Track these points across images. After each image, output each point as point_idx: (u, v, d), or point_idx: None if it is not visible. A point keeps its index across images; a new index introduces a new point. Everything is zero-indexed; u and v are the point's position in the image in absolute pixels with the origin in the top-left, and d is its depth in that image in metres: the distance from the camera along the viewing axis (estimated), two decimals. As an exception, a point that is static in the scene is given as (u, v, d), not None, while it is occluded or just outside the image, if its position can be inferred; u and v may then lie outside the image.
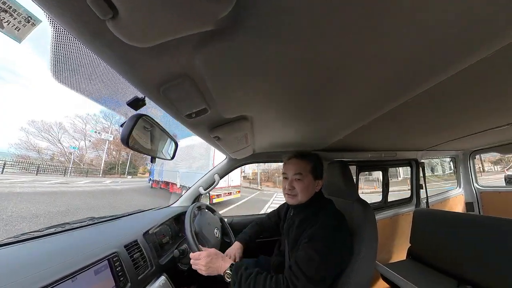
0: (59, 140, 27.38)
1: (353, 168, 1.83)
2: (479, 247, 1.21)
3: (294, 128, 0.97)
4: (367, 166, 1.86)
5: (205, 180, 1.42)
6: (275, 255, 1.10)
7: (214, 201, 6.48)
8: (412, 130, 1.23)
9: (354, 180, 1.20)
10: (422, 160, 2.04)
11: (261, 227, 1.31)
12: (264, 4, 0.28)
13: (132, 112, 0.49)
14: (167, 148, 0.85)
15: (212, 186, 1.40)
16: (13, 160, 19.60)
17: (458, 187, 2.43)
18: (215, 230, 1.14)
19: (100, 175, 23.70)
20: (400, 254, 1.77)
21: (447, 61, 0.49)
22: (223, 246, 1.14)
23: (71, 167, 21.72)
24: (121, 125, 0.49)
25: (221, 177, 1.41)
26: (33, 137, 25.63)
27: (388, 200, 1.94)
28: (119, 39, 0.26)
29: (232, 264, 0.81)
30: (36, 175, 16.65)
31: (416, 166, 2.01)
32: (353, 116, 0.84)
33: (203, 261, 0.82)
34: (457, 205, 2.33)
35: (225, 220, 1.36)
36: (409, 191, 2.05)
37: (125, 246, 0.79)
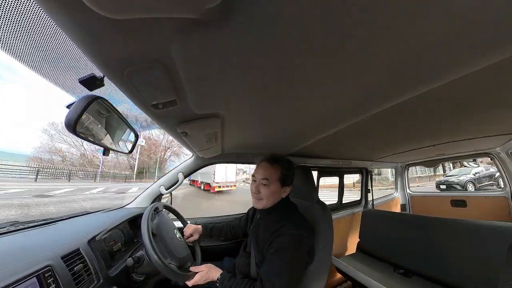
0: (82, 144, 25.29)
1: (314, 173, 2.00)
2: (409, 239, 1.51)
3: (265, 131, 1.00)
4: (326, 172, 2.05)
5: (168, 179, 1.31)
6: (241, 256, 1.10)
7: (216, 190, 11.70)
8: (365, 144, 1.47)
9: (315, 184, 1.33)
10: (371, 169, 2.39)
11: (228, 225, 1.31)
12: (253, 6, 0.29)
13: (85, 92, 0.43)
14: (125, 139, 0.76)
15: (176, 185, 1.30)
16: (42, 165, 18.11)
17: (395, 192, 2.93)
18: (175, 231, 1.07)
19: (133, 180, 23.96)
20: (351, 248, 2.03)
21: (395, 92, 0.63)
22: (190, 249, 1.09)
23: (100, 172, 21.56)
24: (68, 106, 0.41)
25: (185, 176, 1.32)
26: (53, 141, 23.47)
27: (343, 202, 2.22)
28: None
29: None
30: (69, 181, 16.22)
31: (366, 173, 2.36)
32: (319, 126, 0.95)
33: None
34: (395, 206, 2.83)
35: (188, 222, 1.29)
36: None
37: (62, 257, 0.66)
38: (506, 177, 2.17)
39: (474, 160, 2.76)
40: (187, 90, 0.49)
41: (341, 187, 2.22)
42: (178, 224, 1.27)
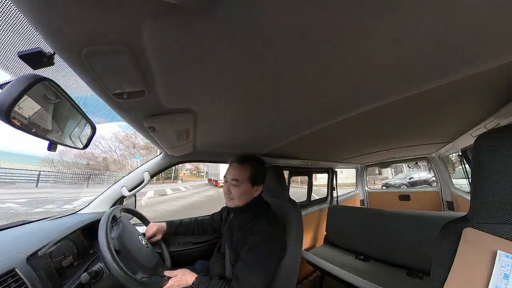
0: (115, 150, 26.01)
1: (286, 173, 2.09)
2: (367, 229, 1.74)
3: (239, 130, 1.00)
4: (297, 171, 2.17)
5: (131, 179, 1.18)
6: (215, 257, 1.08)
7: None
8: (332, 147, 1.62)
9: (286, 183, 1.40)
10: (336, 169, 2.63)
11: (196, 222, 1.26)
12: (235, 2, 0.28)
13: (27, 71, 0.35)
14: (79, 133, 0.66)
15: (141, 186, 1.18)
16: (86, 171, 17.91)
17: (356, 189, 3.32)
18: (140, 238, 0.97)
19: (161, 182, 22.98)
20: (319, 241, 2.23)
21: (357, 104, 0.74)
22: (159, 255, 1.01)
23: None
24: (1, 86, 0.34)
25: (152, 175, 1.22)
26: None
27: (311, 199, 2.41)
28: None
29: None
30: (87, 186, 15.27)
31: (331, 173, 2.58)
32: (291, 128, 1.01)
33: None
34: (356, 202, 3.22)
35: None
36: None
37: None
38: (438, 176, 2.71)
39: (417, 163, 3.32)
40: (157, 81, 0.45)
41: (309, 186, 2.37)
42: (143, 228, 1.17)
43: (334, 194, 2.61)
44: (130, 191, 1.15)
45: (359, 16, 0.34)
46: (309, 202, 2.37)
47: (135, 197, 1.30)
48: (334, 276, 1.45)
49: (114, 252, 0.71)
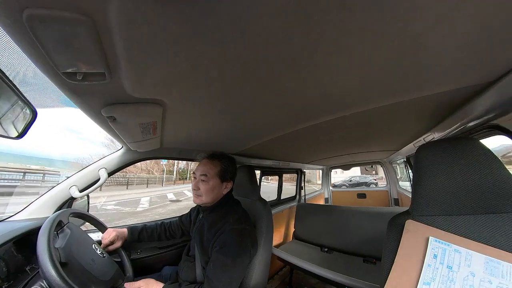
0: None
1: (257, 172, 2.14)
2: (331, 224, 1.95)
3: (212, 128, 0.97)
4: (268, 171, 2.24)
5: (82, 177, 1.01)
6: (184, 261, 1.01)
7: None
8: (301, 149, 1.75)
9: (258, 182, 1.43)
10: (304, 170, 2.80)
11: (162, 225, 1.17)
12: None
13: None
14: (13, 118, 0.55)
15: (95, 186, 1.02)
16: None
17: (322, 189, 3.65)
18: (94, 247, 0.84)
19: (174, 183, 22.88)
20: (288, 238, 2.37)
21: (323, 113, 0.85)
22: (118, 266, 0.89)
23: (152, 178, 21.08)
24: None
25: (110, 173, 1.07)
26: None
27: (281, 198, 2.54)
28: None
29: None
30: (127, 188, 15.85)
31: (300, 173, 2.75)
32: (263, 130, 1.06)
33: None
34: (321, 200, 3.54)
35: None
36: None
37: None
38: (388, 177, 3.17)
39: (372, 166, 3.79)
40: (123, 65, 0.40)
41: (280, 185, 2.47)
42: (98, 235, 1.03)
43: (302, 193, 2.78)
44: (81, 191, 0.99)
45: (332, 35, 0.39)
46: (278, 201, 2.47)
47: (88, 199, 1.13)
48: (302, 269, 1.55)
49: (58, 265, 0.60)
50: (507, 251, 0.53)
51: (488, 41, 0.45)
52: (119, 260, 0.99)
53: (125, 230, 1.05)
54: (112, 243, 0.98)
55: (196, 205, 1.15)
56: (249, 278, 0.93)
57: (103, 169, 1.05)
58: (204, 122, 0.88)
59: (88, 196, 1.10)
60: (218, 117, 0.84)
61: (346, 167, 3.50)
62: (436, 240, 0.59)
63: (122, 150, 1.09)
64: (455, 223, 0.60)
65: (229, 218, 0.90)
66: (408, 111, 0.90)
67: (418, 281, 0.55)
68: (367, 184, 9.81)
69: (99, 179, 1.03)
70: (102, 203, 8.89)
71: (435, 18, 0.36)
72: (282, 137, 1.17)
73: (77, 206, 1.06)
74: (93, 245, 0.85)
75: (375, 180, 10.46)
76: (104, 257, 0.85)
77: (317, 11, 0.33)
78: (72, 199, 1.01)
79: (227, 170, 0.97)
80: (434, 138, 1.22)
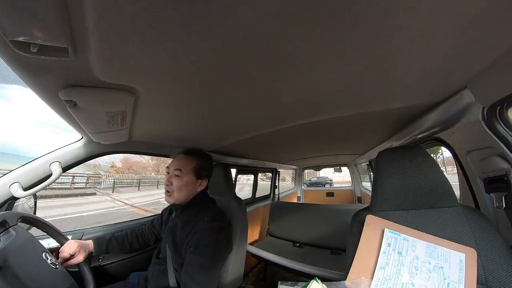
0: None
1: (233, 170, 2.14)
2: (302, 220, 2.09)
3: (189, 123, 0.93)
4: (244, 170, 2.26)
5: (28, 172, 0.85)
6: (154, 264, 0.93)
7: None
8: (276, 149, 1.82)
9: (233, 180, 1.43)
10: (279, 170, 2.90)
11: (134, 232, 1.06)
12: None
13: None
14: None
15: (46, 183, 0.86)
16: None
17: (295, 188, 3.85)
18: (44, 256, 0.72)
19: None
20: (262, 235, 2.44)
21: (298, 117, 0.91)
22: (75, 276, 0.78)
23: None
24: None
25: (65, 168, 0.92)
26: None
27: (256, 196, 2.60)
28: None
29: None
30: (138, 190, 16.58)
31: (275, 173, 2.84)
32: (240, 128, 1.07)
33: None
34: (294, 198, 3.74)
35: (69, 237, 0.92)
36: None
37: None
38: (352, 178, 3.49)
39: (339, 168, 4.10)
40: (92, 42, 0.36)
41: (255, 184, 2.50)
42: (50, 242, 0.89)
43: (276, 192, 2.88)
44: (26, 189, 0.83)
45: (314, 46, 0.43)
46: (253, 199, 2.52)
47: (35, 199, 0.96)
48: (276, 264, 1.62)
49: None
50: (442, 238, 0.64)
51: (438, 68, 0.54)
52: (77, 270, 0.85)
53: (89, 242, 0.92)
54: (72, 256, 0.84)
55: (168, 205, 1.09)
56: (224, 276, 0.92)
57: (56, 163, 0.89)
58: (180, 116, 0.84)
59: (35, 195, 0.94)
60: (195, 112, 0.81)
61: (317, 168, 3.74)
62: (389, 231, 0.68)
63: (81, 142, 0.95)
64: (405, 217, 0.70)
65: (204, 216, 0.87)
66: (373, 120, 1.03)
67: (375, 266, 0.62)
68: (322, 183, 10.96)
69: (50, 175, 0.87)
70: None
71: (403, 43, 0.43)
72: (259, 137, 1.20)
73: (20, 208, 0.89)
74: (44, 254, 0.72)
75: (331, 180, 12.14)
76: (57, 268, 0.73)
77: (303, 21, 0.35)
78: (13, 199, 0.84)
79: (203, 167, 0.94)
80: (392, 145, 1.40)
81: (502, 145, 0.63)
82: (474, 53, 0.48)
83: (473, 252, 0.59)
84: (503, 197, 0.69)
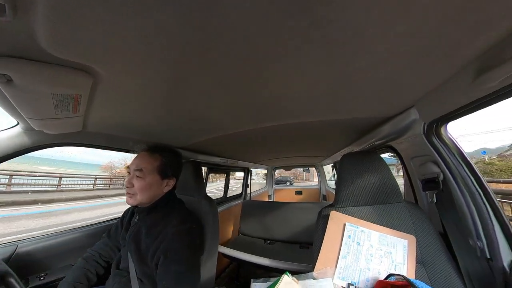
0: None
1: (204, 169, 2.09)
2: (273, 218, 2.16)
3: (158, 115, 0.86)
4: (215, 169, 2.20)
5: None
6: (114, 276, 0.81)
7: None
8: (250, 149, 1.83)
9: (204, 179, 1.39)
10: (251, 169, 2.91)
11: (92, 259, 0.89)
12: None
13: None
14: None
15: None
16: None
17: (266, 186, 3.95)
18: None
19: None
20: (234, 234, 2.44)
21: (269, 119, 0.95)
22: None
23: None
24: None
25: None
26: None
27: (228, 196, 2.57)
28: None
29: None
30: None
31: (247, 172, 2.85)
32: (213, 126, 1.04)
33: None
34: (265, 197, 3.84)
35: None
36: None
37: None
38: (318, 177, 3.76)
39: (307, 169, 4.36)
40: (40, 4, 0.29)
41: (226, 183, 2.46)
42: None
43: (248, 191, 2.89)
44: None
45: (293, 54, 0.45)
46: (225, 199, 2.48)
47: None
48: (248, 263, 1.62)
49: None
50: (391, 228, 0.74)
51: (393, 89, 0.65)
52: None
53: None
54: None
55: (128, 207, 0.98)
56: None
57: None
58: (148, 107, 0.77)
59: None
60: (165, 105, 0.75)
61: (288, 168, 3.90)
62: (350, 225, 0.75)
63: (16, 129, 0.78)
64: (362, 211, 0.80)
65: (172, 219, 0.80)
66: (339, 127, 1.15)
67: (338, 256, 0.68)
68: (284, 181, 11.97)
69: None
70: None
71: (366, 66, 0.51)
72: (233, 135, 1.18)
73: None
74: None
75: (292, 178, 14.31)
76: None
77: (285, 28, 0.37)
78: None
79: (169, 166, 0.85)
80: (353, 150, 1.57)
81: (435, 154, 0.78)
82: (420, 80, 0.59)
83: (413, 239, 0.70)
84: (434, 194, 0.85)
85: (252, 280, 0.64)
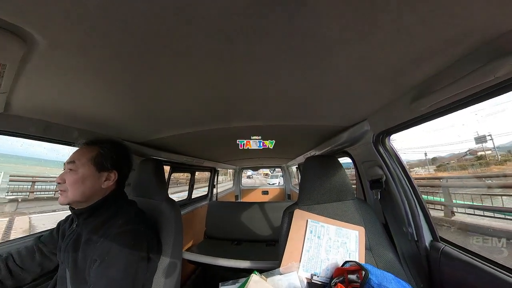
0: None
1: (166, 168, 1.92)
2: (240, 219, 2.13)
3: (111, 102, 0.73)
4: (179, 168, 2.06)
5: None
6: None
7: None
8: (217, 148, 1.80)
9: (166, 180, 1.26)
10: (218, 169, 2.83)
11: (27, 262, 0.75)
12: None
13: None
14: None
15: None
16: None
17: (234, 186, 3.92)
18: None
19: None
20: (199, 238, 2.28)
21: (245, 117, 0.95)
22: None
23: None
24: None
25: None
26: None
27: (192, 197, 2.44)
28: None
29: None
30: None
31: (214, 172, 2.75)
32: (180, 121, 0.97)
33: None
34: (232, 197, 3.80)
35: None
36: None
37: None
38: (285, 178, 3.96)
39: (274, 169, 4.52)
40: None
41: (191, 184, 2.32)
42: None
43: (214, 191, 2.80)
44: None
45: (268, 57, 0.46)
46: (189, 201, 2.34)
47: None
48: (215, 266, 1.53)
49: None
50: (346, 222, 0.83)
51: (351, 103, 0.77)
52: None
53: None
54: None
55: (69, 214, 0.81)
56: (154, 287, 0.77)
57: None
58: (100, 92, 0.64)
59: None
60: (121, 92, 0.64)
61: (255, 168, 3.96)
62: (311, 221, 0.82)
63: None
64: (322, 208, 0.88)
65: (117, 221, 0.68)
66: (304, 132, 1.25)
67: (302, 250, 0.73)
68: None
69: None
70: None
71: (332, 78, 0.58)
72: (199, 133, 1.11)
73: None
74: None
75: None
76: None
77: (260, 27, 0.37)
78: None
79: (107, 156, 0.73)
80: (316, 153, 1.71)
81: (380, 159, 0.96)
82: (373, 98, 0.72)
83: (362, 229, 0.81)
84: (379, 192, 1.00)
85: (220, 284, 0.62)
